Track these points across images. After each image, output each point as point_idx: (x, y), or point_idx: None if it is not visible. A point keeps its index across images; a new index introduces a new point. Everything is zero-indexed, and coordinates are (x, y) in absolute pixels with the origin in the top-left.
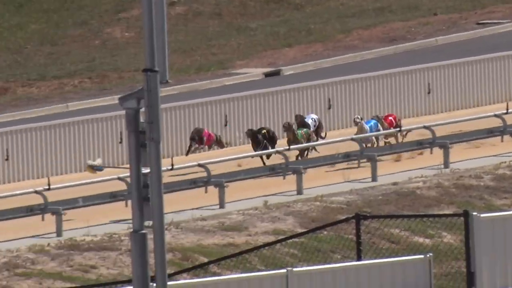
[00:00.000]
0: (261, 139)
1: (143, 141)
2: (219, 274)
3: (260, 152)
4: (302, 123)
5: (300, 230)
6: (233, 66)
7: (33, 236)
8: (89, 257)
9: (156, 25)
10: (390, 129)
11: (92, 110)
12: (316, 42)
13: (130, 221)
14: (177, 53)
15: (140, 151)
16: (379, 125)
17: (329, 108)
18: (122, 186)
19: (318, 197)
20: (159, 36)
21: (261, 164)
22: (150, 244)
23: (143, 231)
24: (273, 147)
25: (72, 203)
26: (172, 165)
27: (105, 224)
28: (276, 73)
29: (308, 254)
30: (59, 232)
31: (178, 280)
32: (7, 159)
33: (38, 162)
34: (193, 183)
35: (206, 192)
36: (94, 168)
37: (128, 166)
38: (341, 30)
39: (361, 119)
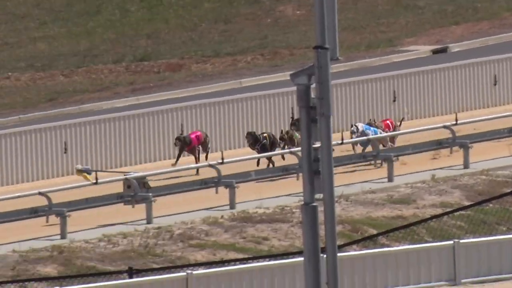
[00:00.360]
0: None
1: (314, 116)
2: (387, 246)
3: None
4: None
5: (466, 203)
6: (402, 43)
7: (207, 209)
8: (261, 229)
9: (327, 4)
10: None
11: (264, 86)
12: (483, 20)
13: (301, 194)
14: (347, 31)
15: (311, 126)
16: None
17: (495, 84)
18: (294, 160)
19: (484, 171)
20: (329, 14)
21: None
22: (321, 216)
23: (314, 204)
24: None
25: (244, 177)
26: (342, 139)
27: (277, 197)
28: (443, 50)
29: (475, 226)
30: (232, 205)
31: (348, 251)
32: (181, 134)
33: (214, 135)
34: (363, 157)
35: (375, 167)
36: (83, 171)
37: (122, 170)
38: (507, 8)
39: (357, 130)
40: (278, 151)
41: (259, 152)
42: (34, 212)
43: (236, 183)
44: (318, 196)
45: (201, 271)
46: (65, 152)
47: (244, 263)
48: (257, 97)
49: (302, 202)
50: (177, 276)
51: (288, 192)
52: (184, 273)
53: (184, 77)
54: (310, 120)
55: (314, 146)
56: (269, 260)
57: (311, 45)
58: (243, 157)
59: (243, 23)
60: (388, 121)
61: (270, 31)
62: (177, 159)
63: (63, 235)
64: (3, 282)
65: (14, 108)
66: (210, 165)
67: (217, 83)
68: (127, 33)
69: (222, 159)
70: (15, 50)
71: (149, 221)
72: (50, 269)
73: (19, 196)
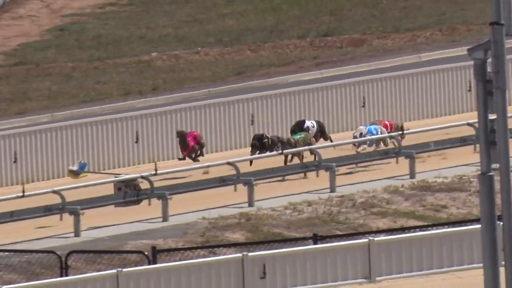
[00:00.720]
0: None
1: (490, 89)
2: None
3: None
4: (301, 128)
5: None
6: None
7: (388, 178)
8: (440, 198)
9: None
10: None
11: (442, 61)
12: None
13: (479, 164)
14: None
15: (487, 98)
16: (380, 129)
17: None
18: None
19: None
20: None
21: None
22: (497, 186)
23: (490, 173)
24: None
25: (424, 147)
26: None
27: (455, 167)
28: None
29: None
30: (412, 174)
31: None
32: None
33: (393, 108)
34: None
35: None
36: (75, 173)
37: (110, 171)
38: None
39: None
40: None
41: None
42: (222, 181)
43: (416, 153)
44: (495, 166)
45: (382, 237)
46: (251, 124)
47: (424, 230)
48: (435, 71)
49: (479, 172)
50: (359, 243)
51: (466, 162)
52: (366, 240)
53: (366, 52)
54: (486, 93)
55: (490, 118)
56: (448, 228)
57: (487, 21)
58: (424, 128)
59: (422, 0)
60: (386, 122)
61: (448, 8)
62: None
63: (250, 203)
64: (194, 248)
65: (203, 82)
66: (392, 137)
67: (397, 58)
68: (311, 9)
69: (403, 130)
70: (204, 26)
71: (332, 190)
72: (238, 236)
73: (208, 166)
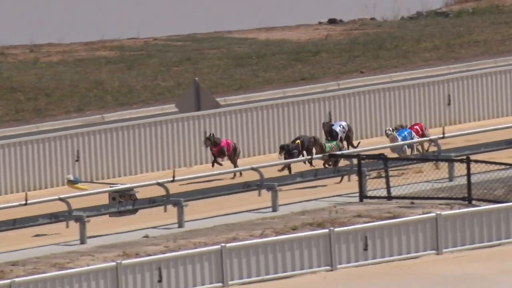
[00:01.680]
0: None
1: None
2: None
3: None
4: (330, 132)
5: None
6: None
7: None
8: None
9: None
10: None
11: None
12: None
13: None
14: None
15: None
16: (413, 133)
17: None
18: None
19: None
20: None
21: None
22: None
23: None
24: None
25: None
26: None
27: None
28: None
29: None
30: None
31: None
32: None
33: None
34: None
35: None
36: (73, 183)
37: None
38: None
39: (393, 130)
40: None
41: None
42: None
43: None
44: None
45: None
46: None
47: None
48: None
49: None
50: (427, 217)
51: None
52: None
53: None
54: None
55: None
56: None
57: None
58: None
59: None
60: (417, 126)
61: None
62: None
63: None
64: None
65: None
66: None
67: None
68: None
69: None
70: None
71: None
72: None
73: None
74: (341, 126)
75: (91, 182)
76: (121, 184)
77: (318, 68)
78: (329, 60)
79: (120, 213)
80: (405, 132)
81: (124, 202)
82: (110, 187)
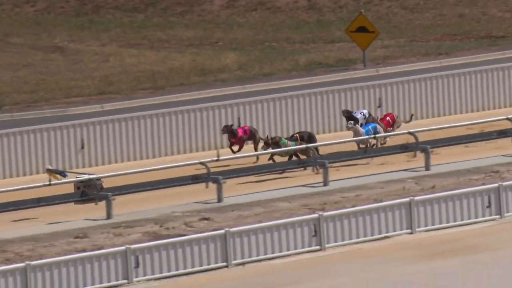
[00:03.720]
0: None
1: None
2: None
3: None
4: (350, 117)
5: None
6: None
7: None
8: None
9: None
10: (387, 129)
11: None
12: None
13: None
14: None
15: None
16: (378, 127)
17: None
18: None
19: None
20: None
21: None
22: None
23: None
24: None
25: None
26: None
27: None
28: None
29: None
30: None
31: None
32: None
33: None
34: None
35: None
36: (54, 172)
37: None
38: None
39: (355, 124)
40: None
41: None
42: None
43: None
44: None
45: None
46: None
47: None
48: None
49: None
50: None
51: None
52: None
53: None
54: None
55: None
56: None
57: None
58: None
59: None
60: (388, 117)
61: None
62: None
63: None
64: None
65: None
66: None
67: None
68: None
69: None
70: None
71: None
72: None
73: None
74: (362, 113)
75: (71, 172)
76: (89, 174)
77: None
78: None
79: (84, 202)
80: (369, 126)
81: (88, 191)
82: (76, 177)
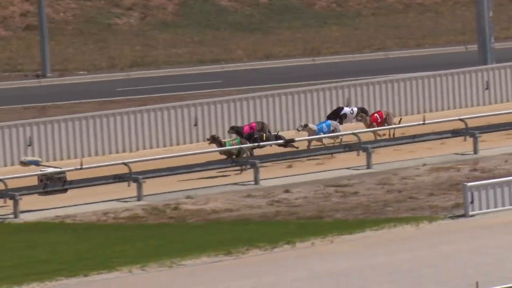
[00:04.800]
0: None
1: None
2: None
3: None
4: (336, 113)
5: None
6: None
7: None
8: None
9: None
10: (373, 125)
11: None
12: None
13: None
14: None
15: None
16: (333, 124)
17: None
18: None
19: None
20: None
21: None
22: None
23: None
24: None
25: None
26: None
27: None
28: None
29: None
30: None
31: None
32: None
33: None
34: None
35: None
36: (27, 163)
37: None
38: None
39: (306, 125)
40: None
41: None
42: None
43: None
44: None
45: None
46: None
47: None
48: None
49: None
50: None
51: None
52: None
53: None
54: None
55: None
56: None
57: None
58: None
59: None
60: (376, 114)
61: None
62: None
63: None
64: None
65: None
66: None
67: None
68: None
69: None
70: None
71: None
72: None
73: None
74: (351, 109)
75: (44, 165)
76: (55, 167)
77: None
78: None
79: (47, 193)
80: (323, 124)
81: (51, 184)
82: (41, 170)
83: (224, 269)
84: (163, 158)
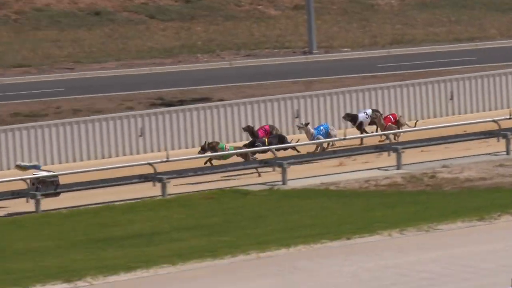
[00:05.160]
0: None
1: None
2: None
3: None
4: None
5: None
6: None
7: None
8: None
9: None
10: (389, 125)
11: None
12: None
13: None
14: None
15: None
16: (330, 128)
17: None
18: None
19: None
20: None
21: None
22: None
23: None
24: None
25: None
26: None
27: None
28: None
29: None
30: None
31: None
32: None
33: None
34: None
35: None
36: (22, 167)
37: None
38: None
39: (306, 124)
40: None
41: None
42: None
43: None
44: None
45: None
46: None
47: None
48: None
49: None
50: None
51: None
52: None
53: None
54: None
55: None
56: None
57: None
58: None
59: None
60: (390, 115)
61: None
62: None
63: None
64: None
65: None
66: None
67: None
68: None
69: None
70: None
71: None
72: None
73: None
74: (366, 113)
75: (44, 170)
76: (48, 171)
77: None
78: None
79: (42, 196)
80: (321, 127)
81: (40, 187)
82: (33, 174)
83: (477, 233)
84: (422, 129)
